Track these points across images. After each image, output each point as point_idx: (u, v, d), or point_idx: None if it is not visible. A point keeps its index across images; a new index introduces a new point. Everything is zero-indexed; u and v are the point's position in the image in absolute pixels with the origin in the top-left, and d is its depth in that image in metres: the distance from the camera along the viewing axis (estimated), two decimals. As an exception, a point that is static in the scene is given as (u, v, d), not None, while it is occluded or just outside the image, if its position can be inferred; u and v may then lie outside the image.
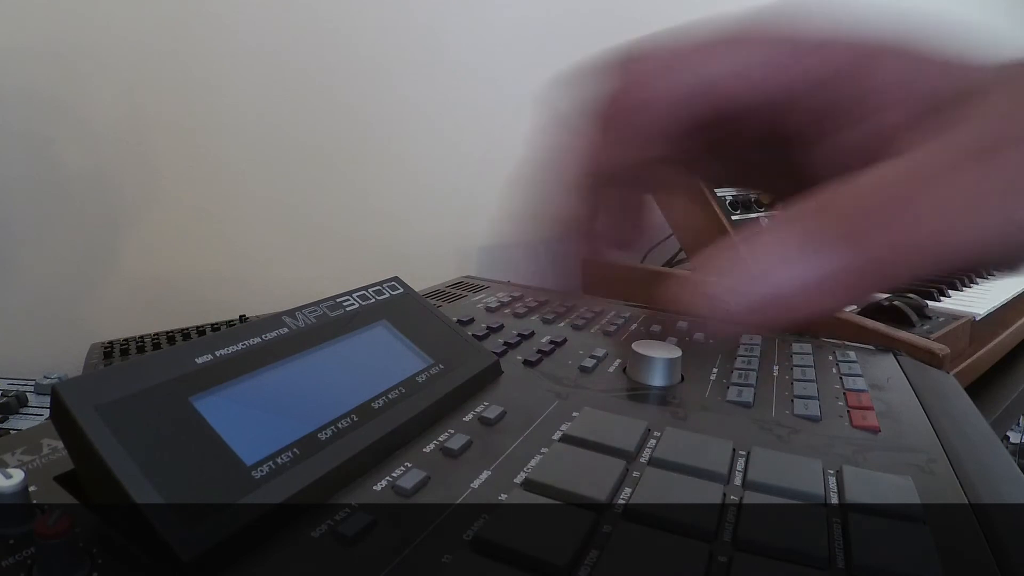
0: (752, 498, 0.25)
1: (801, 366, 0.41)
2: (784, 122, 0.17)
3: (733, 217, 0.66)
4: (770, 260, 0.14)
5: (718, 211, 0.66)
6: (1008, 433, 1.12)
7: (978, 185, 0.13)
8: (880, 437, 0.32)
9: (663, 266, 0.78)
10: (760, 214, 0.68)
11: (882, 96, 0.16)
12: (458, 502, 0.24)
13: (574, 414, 0.32)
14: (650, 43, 0.17)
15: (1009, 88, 0.14)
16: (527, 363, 0.39)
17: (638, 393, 0.36)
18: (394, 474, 0.26)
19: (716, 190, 0.67)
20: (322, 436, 0.26)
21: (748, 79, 0.16)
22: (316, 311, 0.32)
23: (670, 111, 0.16)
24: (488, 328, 0.46)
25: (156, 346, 0.55)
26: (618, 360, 0.41)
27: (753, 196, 0.70)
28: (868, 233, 0.13)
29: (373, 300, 0.35)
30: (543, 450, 0.28)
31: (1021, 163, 0.13)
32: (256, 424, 0.25)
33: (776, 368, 0.41)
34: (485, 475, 0.26)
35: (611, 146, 0.17)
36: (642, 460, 0.28)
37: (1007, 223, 0.12)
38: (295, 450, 0.24)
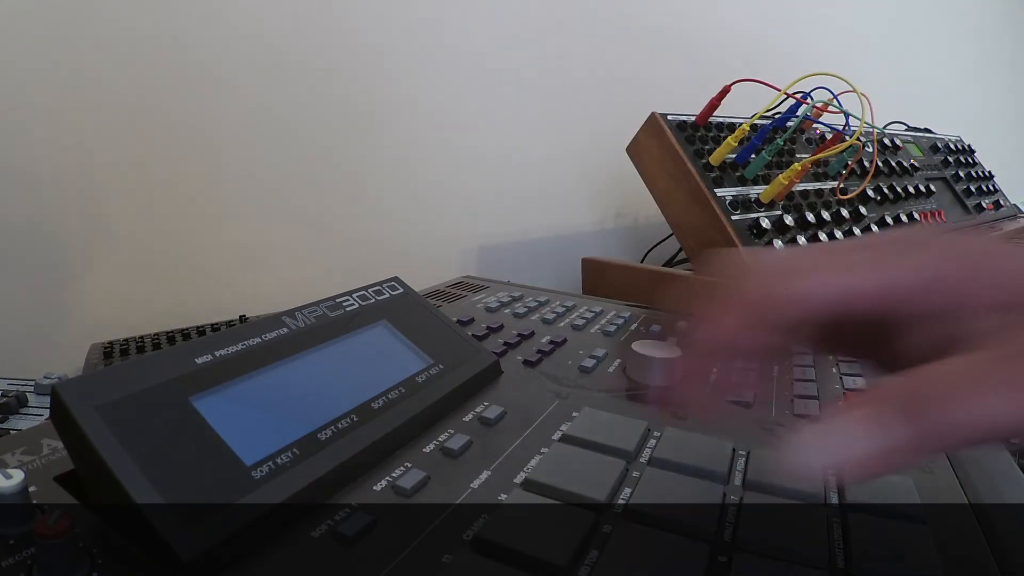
0: (752, 498, 0.25)
1: (801, 366, 0.41)
2: (891, 319, 0.21)
3: (733, 217, 0.66)
4: (846, 432, 0.18)
5: (718, 211, 0.66)
6: (1008, 433, 1.12)
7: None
8: (880, 437, 0.32)
9: (663, 266, 0.78)
10: (760, 214, 0.68)
11: (976, 300, 0.20)
12: (458, 502, 0.24)
13: (574, 414, 0.32)
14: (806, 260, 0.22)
15: None
16: (527, 363, 0.39)
17: (638, 393, 0.36)
18: (394, 474, 0.26)
19: (716, 190, 0.67)
20: (322, 436, 0.26)
21: (878, 297, 0.21)
22: (316, 311, 0.32)
23: (805, 315, 0.21)
24: (488, 328, 0.46)
25: (156, 346, 0.55)
26: (618, 360, 0.41)
27: (753, 196, 0.70)
28: (926, 414, 0.17)
29: (373, 300, 0.35)
30: (543, 450, 0.28)
31: None
32: (256, 424, 0.25)
33: (776, 368, 0.41)
34: (485, 475, 0.26)
35: (751, 328, 0.22)
36: (642, 460, 0.28)
37: None
38: (295, 450, 0.24)
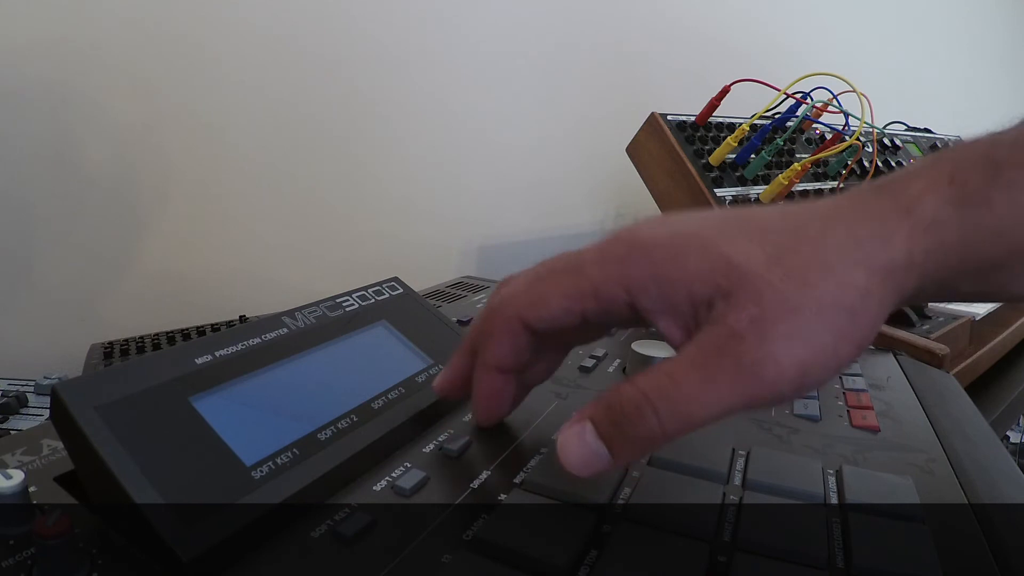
0: (752, 498, 0.25)
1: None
2: (620, 318, 0.24)
3: (733, 217, 0.66)
4: (564, 444, 0.22)
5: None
6: (1008, 433, 1.12)
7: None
8: (880, 437, 0.32)
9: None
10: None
11: (673, 298, 0.23)
12: (458, 502, 0.24)
13: (574, 414, 0.32)
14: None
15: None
16: (527, 363, 0.39)
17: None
18: (394, 474, 0.26)
19: (716, 190, 0.67)
20: (322, 436, 0.26)
21: (582, 310, 0.24)
22: (316, 311, 0.32)
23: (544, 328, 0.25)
24: (488, 328, 0.45)
25: (156, 346, 0.55)
26: (618, 360, 0.41)
27: (753, 196, 0.70)
28: (621, 428, 0.21)
29: (373, 300, 0.35)
30: (543, 450, 0.28)
31: None
32: (256, 424, 0.25)
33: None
34: (485, 475, 0.26)
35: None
36: (642, 460, 0.28)
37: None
38: (295, 450, 0.24)
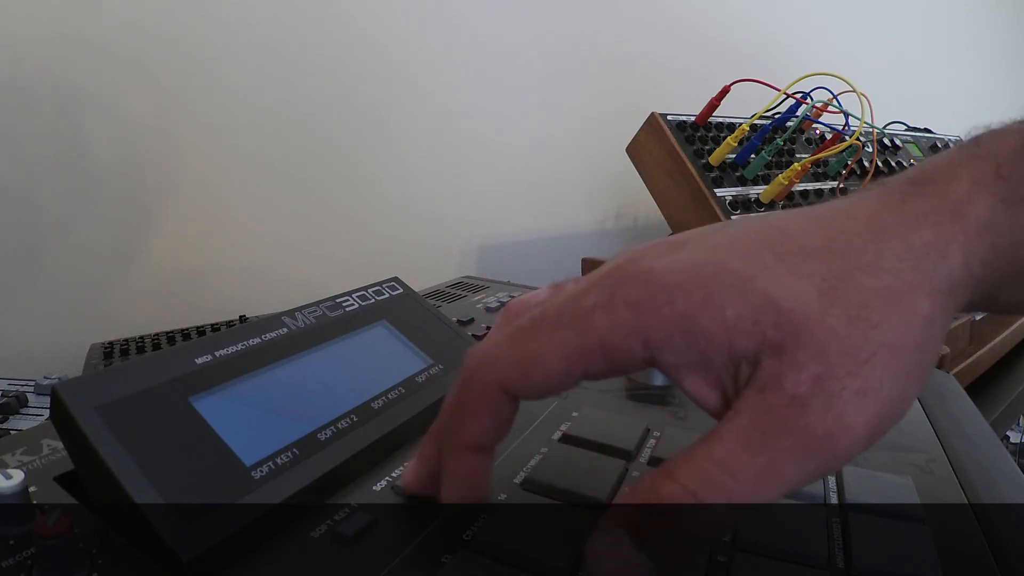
0: (752, 498, 0.25)
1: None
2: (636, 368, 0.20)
3: (733, 217, 0.66)
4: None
5: (718, 211, 0.66)
6: (1008, 433, 1.12)
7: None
8: (880, 437, 0.32)
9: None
10: (761, 214, 0.68)
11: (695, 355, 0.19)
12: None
13: (574, 414, 0.32)
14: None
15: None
16: (527, 363, 0.39)
17: (638, 393, 0.36)
18: (394, 474, 0.26)
19: (716, 190, 0.67)
20: (322, 436, 0.26)
21: (589, 371, 0.19)
22: (316, 311, 0.32)
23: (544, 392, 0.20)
24: (488, 328, 0.46)
25: (156, 346, 0.55)
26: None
27: (753, 196, 0.70)
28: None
29: (373, 300, 0.35)
30: (543, 450, 0.28)
31: None
32: (256, 424, 0.25)
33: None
34: (485, 475, 0.26)
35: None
36: (642, 460, 0.28)
37: None
38: (295, 450, 0.24)
